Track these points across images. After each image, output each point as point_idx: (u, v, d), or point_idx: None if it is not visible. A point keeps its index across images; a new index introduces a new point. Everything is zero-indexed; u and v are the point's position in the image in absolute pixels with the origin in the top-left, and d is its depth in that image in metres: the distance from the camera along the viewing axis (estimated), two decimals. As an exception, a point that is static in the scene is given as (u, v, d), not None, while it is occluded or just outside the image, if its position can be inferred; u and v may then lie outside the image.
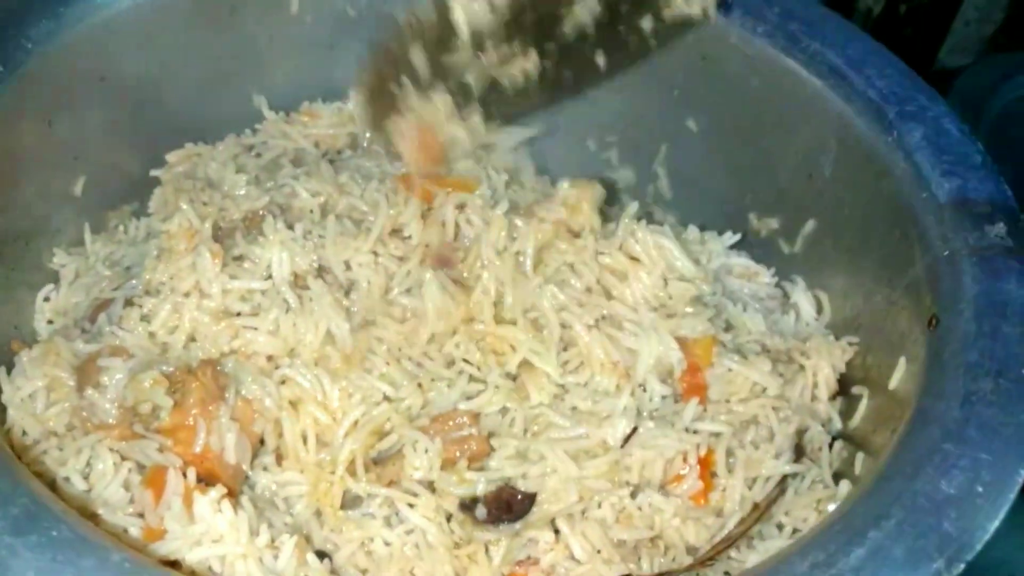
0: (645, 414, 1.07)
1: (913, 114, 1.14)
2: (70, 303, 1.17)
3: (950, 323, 0.94)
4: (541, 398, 1.07)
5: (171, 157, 1.32)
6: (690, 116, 1.43)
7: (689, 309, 1.15)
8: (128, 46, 1.24)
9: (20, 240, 1.14)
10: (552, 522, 1.00)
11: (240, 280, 1.05)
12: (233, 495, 0.93)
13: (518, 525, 0.99)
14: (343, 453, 1.00)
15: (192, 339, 1.04)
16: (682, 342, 1.11)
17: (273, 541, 0.90)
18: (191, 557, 0.85)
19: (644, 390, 1.08)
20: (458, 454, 1.02)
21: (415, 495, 1.00)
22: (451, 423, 1.03)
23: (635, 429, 1.02)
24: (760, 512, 1.01)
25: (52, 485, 0.91)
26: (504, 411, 1.07)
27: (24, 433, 0.98)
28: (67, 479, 0.92)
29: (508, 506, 1.00)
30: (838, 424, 1.13)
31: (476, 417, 1.04)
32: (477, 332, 1.10)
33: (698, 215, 1.42)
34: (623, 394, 1.05)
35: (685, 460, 1.03)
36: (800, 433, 1.10)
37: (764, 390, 1.11)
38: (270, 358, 1.04)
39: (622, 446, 1.01)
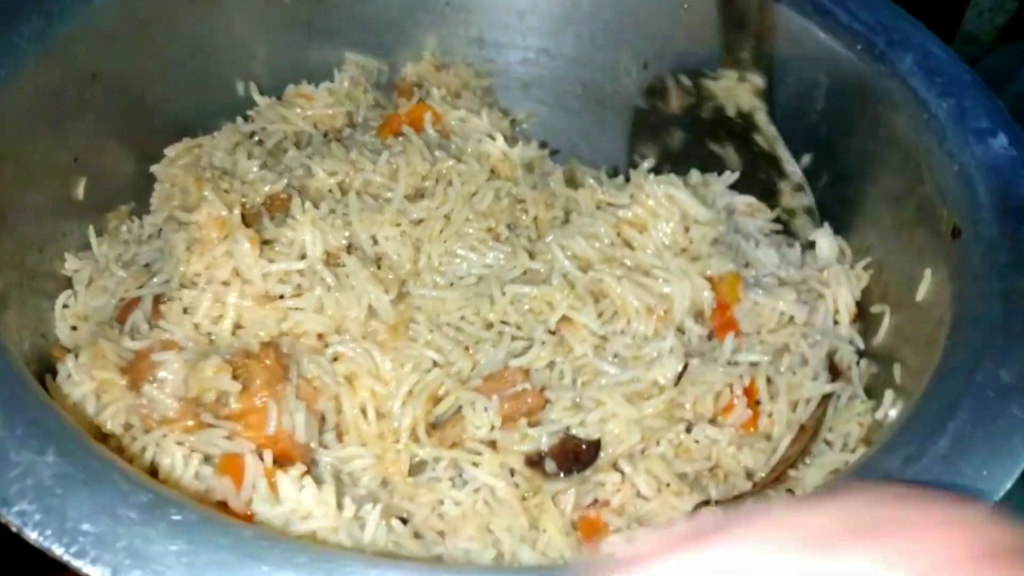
0: (688, 353, 1.10)
1: (900, 42, 1.20)
2: (90, 308, 1.13)
3: (973, 231, 0.99)
4: (585, 349, 1.09)
5: (170, 151, 1.29)
6: (673, 66, 1.46)
7: (711, 250, 1.19)
8: (115, 39, 1.20)
9: (35, 248, 1.11)
10: (615, 465, 1.03)
11: (278, 263, 1.05)
12: (309, 473, 0.93)
13: (587, 472, 1.02)
14: (404, 421, 1.01)
15: (239, 326, 1.03)
16: (709, 282, 1.15)
17: (357, 512, 0.91)
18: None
19: (683, 332, 1.12)
20: (516, 410, 1.04)
21: (479, 454, 1.02)
22: (505, 380, 1.05)
23: (686, 366, 1.06)
24: (810, 432, 1.06)
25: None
26: (551, 365, 1.09)
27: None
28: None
29: (575, 456, 1.02)
30: (860, 343, 1.18)
31: (527, 373, 1.06)
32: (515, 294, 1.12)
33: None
34: (668, 336, 1.08)
35: (732, 391, 1.07)
36: (830, 356, 1.15)
37: (791, 319, 1.16)
38: (320, 336, 1.04)
39: (676, 384, 1.05)
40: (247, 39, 1.40)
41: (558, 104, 1.58)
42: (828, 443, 1.08)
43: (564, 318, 1.11)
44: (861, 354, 1.18)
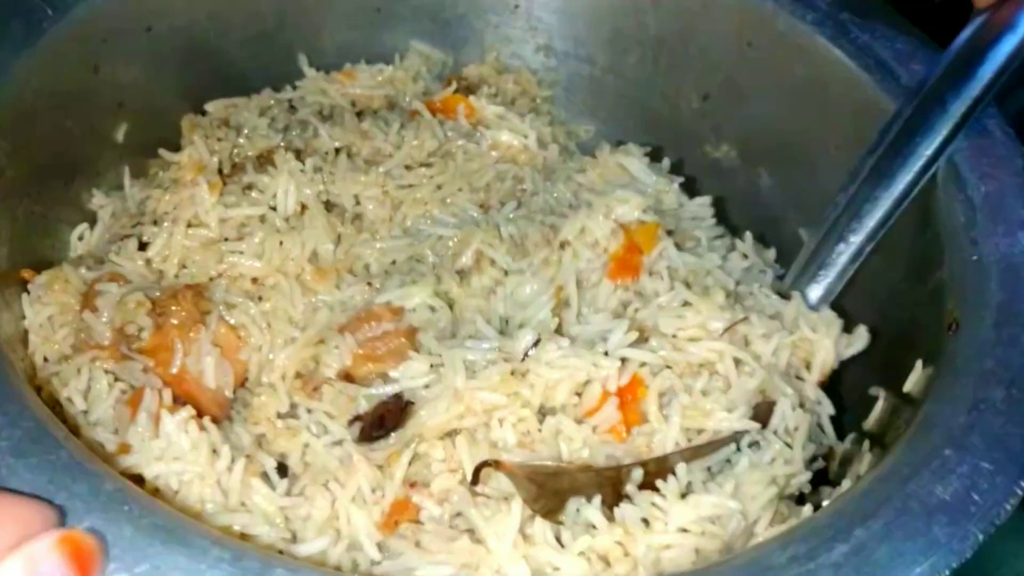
0: (568, 333, 1.04)
1: (957, 112, 1.10)
2: (103, 241, 1.20)
3: (970, 328, 0.91)
4: (483, 282, 1.09)
5: (210, 107, 1.34)
6: (733, 104, 1.41)
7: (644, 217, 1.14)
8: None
9: (60, 179, 1.18)
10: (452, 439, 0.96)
11: (237, 209, 1.08)
12: (217, 421, 0.96)
13: (392, 439, 0.96)
14: (276, 370, 1.03)
15: (183, 266, 1.07)
16: (624, 228, 1.12)
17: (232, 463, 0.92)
18: (150, 471, 0.87)
19: (575, 255, 1.10)
20: (373, 350, 1.01)
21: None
22: (366, 319, 1.03)
23: (538, 340, 0.97)
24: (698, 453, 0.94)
25: (58, 406, 0.95)
26: (433, 310, 1.07)
27: (45, 360, 1.02)
28: (69, 399, 0.96)
29: (381, 421, 0.97)
30: (829, 409, 1.09)
31: (398, 312, 1.04)
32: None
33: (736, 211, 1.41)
34: (543, 296, 1.06)
35: (604, 387, 0.96)
36: (768, 403, 1.01)
37: (723, 333, 1.03)
38: (255, 280, 1.07)
39: (522, 359, 0.97)
40: (313, 13, 1.44)
41: (614, 122, 1.55)
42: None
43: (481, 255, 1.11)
44: (863, 437, 1.08)
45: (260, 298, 1.05)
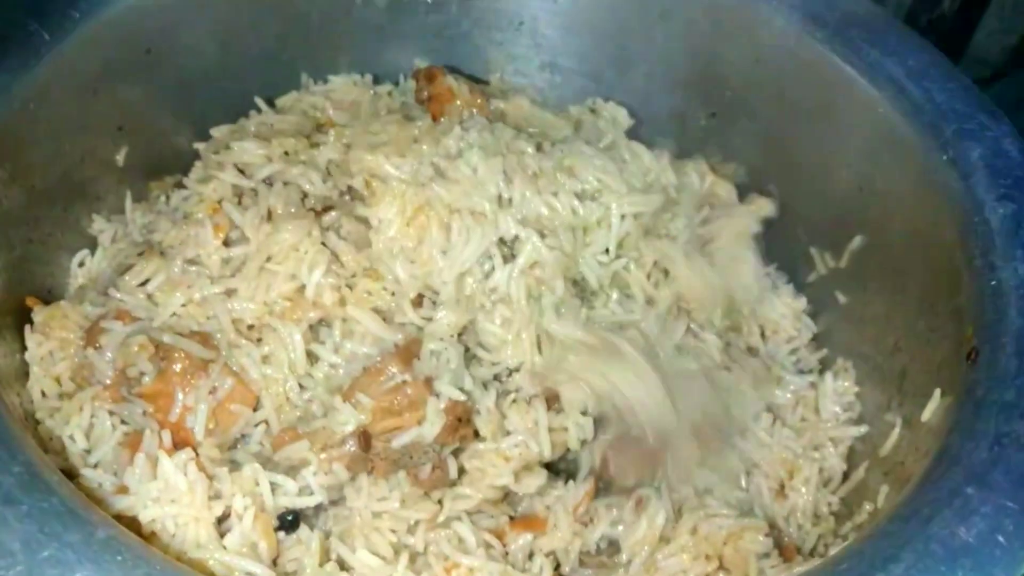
0: None
1: (972, 132, 1.08)
2: (101, 268, 1.18)
3: (990, 357, 0.88)
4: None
5: (216, 132, 1.32)
6: (741, 121, 1.39)
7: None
8: (176, 20, 1.25)
9: (58, 205, 1.16)
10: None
11: (234, 248, 1.06)
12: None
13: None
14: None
15: (184, 305, 1.04)
16: None
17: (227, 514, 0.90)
18: (146, 514, 0.86)
19: None
20: (393, 404, 0.99)
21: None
22: (382, 374, 0.99)
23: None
24: None
25: (61, 446, 0.93)
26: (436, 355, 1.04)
27: (43, 395, 1.00)
28: (71, 438, 0.94)
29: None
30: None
31: (407, 362, 1.00)
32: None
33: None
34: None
35: None
36: None
37: None
38: (251, 327, 1.04)
39: None
40: (317, 32, 1.42)
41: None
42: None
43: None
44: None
45: (259, 340, 1.02)
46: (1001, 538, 0.72)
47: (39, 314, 1.03)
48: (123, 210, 1.26)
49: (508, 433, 1.02)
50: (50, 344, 1.01)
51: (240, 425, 0.99)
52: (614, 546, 1.04)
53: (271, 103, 1.39)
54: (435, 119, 1.23)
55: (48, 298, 1.13)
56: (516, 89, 1.51)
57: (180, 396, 0.94)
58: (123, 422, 0.96)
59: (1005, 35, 1.95)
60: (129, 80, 1.22)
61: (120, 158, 1.25)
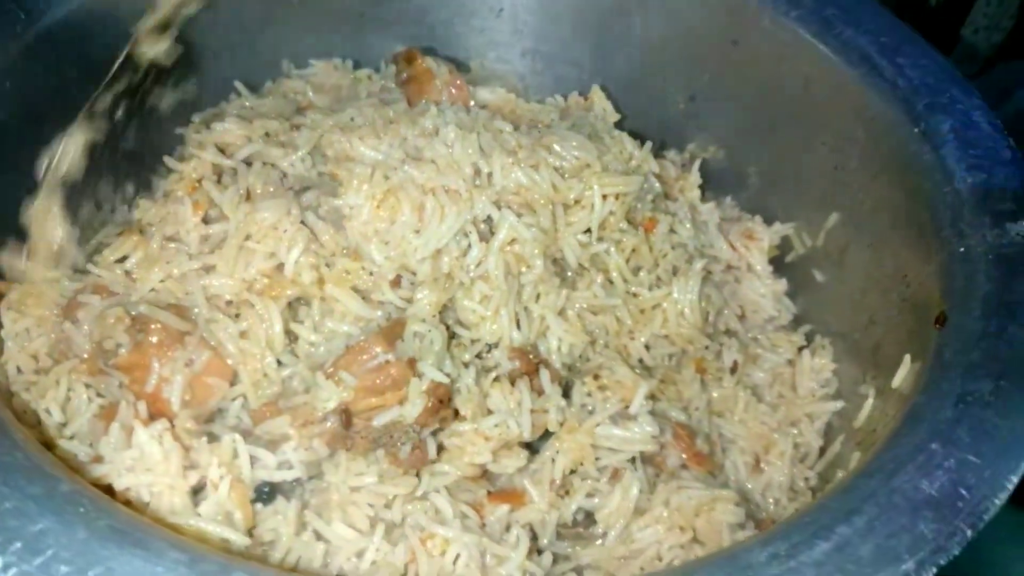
0: None
1: (943, 106, 1.09)
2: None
3: (958, 321, 0.89)
4: None
5: (196, 117, 1.33)
6: (720, 103, 1.39)
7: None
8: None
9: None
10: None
11: (214, 226, 1.05)
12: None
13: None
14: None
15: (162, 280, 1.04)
16: None
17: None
18: (120, 482, 0.86)
19: None
20: (375, 384, 0.98)
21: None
22: (360, 352, 0.99)
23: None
24: None
25: (36, 419, 0.93)
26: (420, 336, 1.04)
27: (19, 371, 1.00)
28: (47, 411, 0.94)
29: None
30: None
31: (390, 341, 1.00)
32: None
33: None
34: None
35: None
36: None
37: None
38: (230, 303, 1.03)
39: None
40: (297, 18, 1.43)
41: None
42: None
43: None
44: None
45: (237, 316, 1.01)
46: (963, 491, 0.72)
47: (14, 291, 1.03)
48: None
49: (489, 412, 1.02)
50: (26, 321, 1.01)
51: (217, 398, 0.99)
52: (590, 518, 1.04)
53: (252, 89, 1.40)
54: (411, 102, 1.24)
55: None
56: (497, 75, 1.53)
57: (156, 367, 0.93)
58: (99, 395, 0.96)
59: (991, 32, 1.97)
60: (110, 66, 1.22)
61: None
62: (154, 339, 0.94)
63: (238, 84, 1.37)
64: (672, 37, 1.40)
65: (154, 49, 1.17)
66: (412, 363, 0.99)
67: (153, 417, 0.92)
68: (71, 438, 0.94)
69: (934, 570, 0.68)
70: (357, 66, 1.49)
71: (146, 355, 0.93)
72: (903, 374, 0.96)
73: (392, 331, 1.01)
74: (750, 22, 1.29)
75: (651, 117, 1.48)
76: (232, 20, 1.36)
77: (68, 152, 1.11)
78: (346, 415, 0.98)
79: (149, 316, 0.94)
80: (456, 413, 1.03)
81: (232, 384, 1.01)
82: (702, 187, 1.36)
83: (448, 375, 1.00)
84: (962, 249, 0.95)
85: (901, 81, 1.13)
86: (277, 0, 1.40)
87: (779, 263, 1.35)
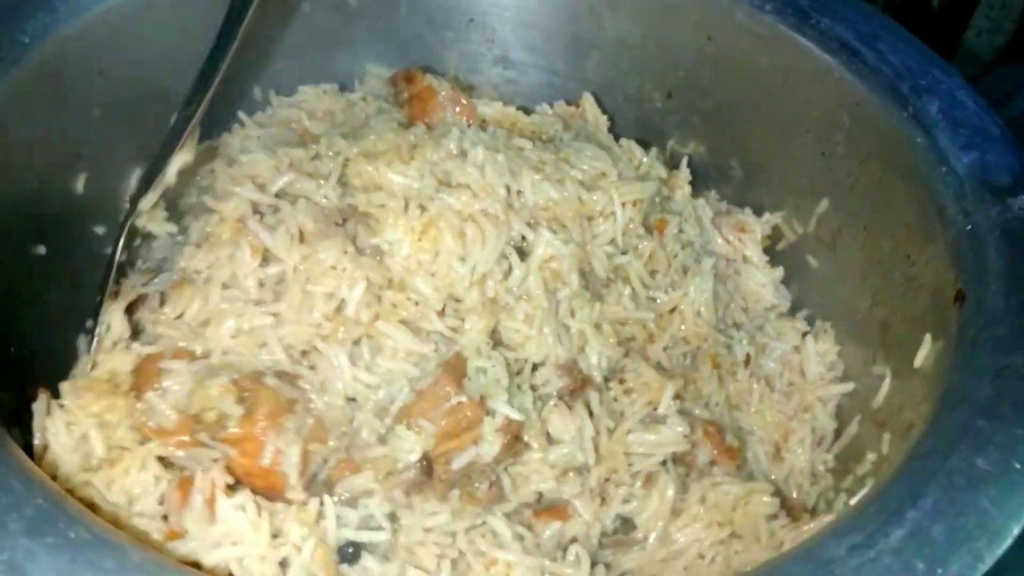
0: None
1: (928, 88, 1.12)
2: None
3: (977, 298, 0.92)
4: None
5: (187, 155, 1.27)
6: (697, 99, 1.41)
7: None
8: (127, 40, 1.21)
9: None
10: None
11: (270, 267, 1.01)
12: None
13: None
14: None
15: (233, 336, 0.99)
16: None
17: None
18: (209, 559, 0.83)
19: None
20: (455, 427, 0.96)
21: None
22: (439, 395, 0.96)
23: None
24: None
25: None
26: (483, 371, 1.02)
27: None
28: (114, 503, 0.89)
29: None
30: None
31: (459, 383, 0.98)
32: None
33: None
34: None
35: None
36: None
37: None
38: (304, 353, 0.99)
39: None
40: (266, 40, 1.40)
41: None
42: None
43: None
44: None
45: (312, 367, 0.98)
46: (1017, 464, 0.75)
47: (68, 398, 0.95)
48: (86, 240, 1.22)
49: (549, 437, 1.02)
50: (83, 426, 0.93)
51: (318, 463, 0.95)
52: (628, 524, 1.05)
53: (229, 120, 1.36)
54: (414, 119, 1.22)
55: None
56: (473, 86, 1.52)
57: (272, 439, 0.89)
58: (170, 466, 0.91)
59: (994, 35, 2.00)
60: (84, 103, 1.18)
61: (80, 185, 1.21)
62: (264, 409, 0.89)
63: (243, 116, 1.33)
64: (645, 36, 1.41)
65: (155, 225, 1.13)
66: (483, 401, 0.97)
67: (263, 493, 0.88)
68: (140, 515, 0.90)
69: (1004, 546, 0.70)
70: (343, 89, 1.47)
71: (256, 426, 0.89)
72: (924, 353, 0.98)
73: (456, 369, 0.99)
74: (724, 18, 1.31)
75: (628, 116, 1.49)
76: (202, 49, 1.32)
77: None
78: (427, 462, 0.96)
79: (256, 385, 0.90)
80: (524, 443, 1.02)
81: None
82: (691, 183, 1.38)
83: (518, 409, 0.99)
84: (969, 227, 0.98)
85: (884, 66, 1.15)
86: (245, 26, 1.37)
87: (770, 252, 1.38)
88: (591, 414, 1.01)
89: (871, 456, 1.02)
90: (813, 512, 1.12)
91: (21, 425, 0.93)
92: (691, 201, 1.33)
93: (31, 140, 1.12)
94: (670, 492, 1.03)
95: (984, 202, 0.99)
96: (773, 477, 1.17)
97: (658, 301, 1.14)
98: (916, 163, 1.08)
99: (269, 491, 0.90)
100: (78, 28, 1.15)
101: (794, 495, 1.16)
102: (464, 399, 0.95)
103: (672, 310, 1.15)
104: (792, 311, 1.34)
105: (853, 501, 0.93)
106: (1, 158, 1.07)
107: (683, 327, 1.14)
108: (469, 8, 1.48)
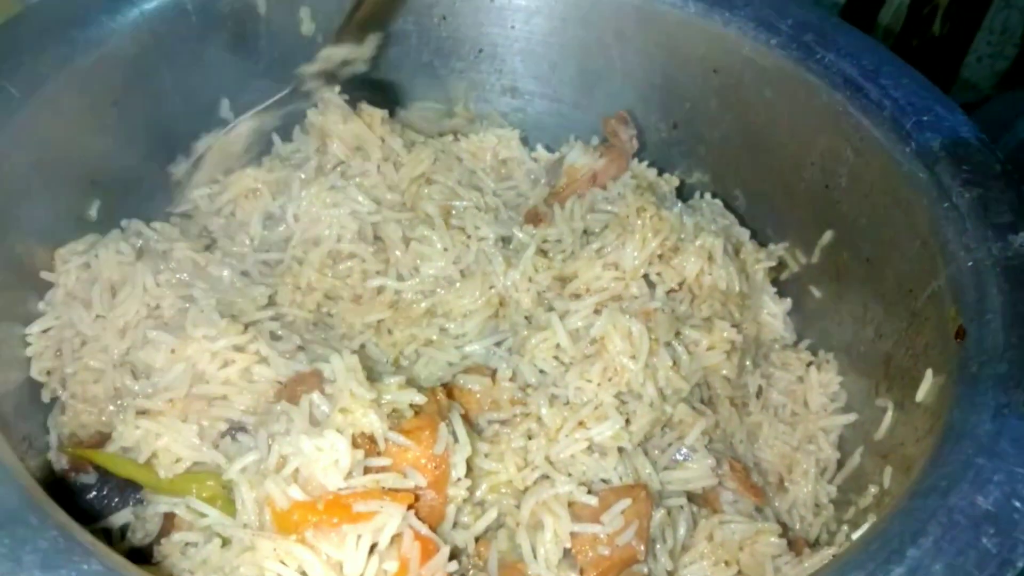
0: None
1: (931, 124, 1.14)
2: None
3: (978, 334, 0.93)
4: None
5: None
6: (703, 130, 1.43)
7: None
8: (138, 71, 1.24)
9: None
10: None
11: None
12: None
13: None
14: None
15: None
16: None
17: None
18: None
19: None
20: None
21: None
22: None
23: None
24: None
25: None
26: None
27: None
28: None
29: None
30: None
31: None
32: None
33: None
34: None
35: None
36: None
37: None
38: None
39: None
40: (277, 71, 1.42)
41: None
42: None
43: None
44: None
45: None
46: (1017, 503, 0.75)
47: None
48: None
49: None
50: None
51: None
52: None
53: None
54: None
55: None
56: (482, 116, 1.54)
57: (444, 428, 0.95)
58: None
59: (995, 60, 2.01)
60: (99, 132, 1.20)
61: (93, 212, 1.23)
62: (432, 407, 0.97)
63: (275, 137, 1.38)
64: (651, 68, 1.43)
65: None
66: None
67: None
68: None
69: (1003, 584, 0.71)
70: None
71: (428, 419, 0.95)
72: (926, 388, 0.99)
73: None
74: (730, 51, 1.32)
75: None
76: (213, 78, 1.35)
77: None
78: None
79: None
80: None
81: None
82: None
83: None
84: (970, 263, 0.99)
85: (887, 102, 1.17)
86: (253, 51, 1.39)
87: (775, 283, 1.39)
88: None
89: (873, 489, 1.02)
90: (815, 544, 1.12)
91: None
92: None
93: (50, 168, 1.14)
94: (682, 530, 1.03)
95: (986, 239, 1.00)
96: (777, 506, 1.17)
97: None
98: (918, 198, 1.09)
99: (435, 485, 0.94)
100: (93, 60, 1.17)
101: (797, 527, 1.17)
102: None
103: (710, 348, 1.17)
104: (795, 341, 1.35)
105: (855, 535, 0.94)
106: (19, 187, 1.10)
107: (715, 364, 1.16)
108: (479, 39, 1.50)
